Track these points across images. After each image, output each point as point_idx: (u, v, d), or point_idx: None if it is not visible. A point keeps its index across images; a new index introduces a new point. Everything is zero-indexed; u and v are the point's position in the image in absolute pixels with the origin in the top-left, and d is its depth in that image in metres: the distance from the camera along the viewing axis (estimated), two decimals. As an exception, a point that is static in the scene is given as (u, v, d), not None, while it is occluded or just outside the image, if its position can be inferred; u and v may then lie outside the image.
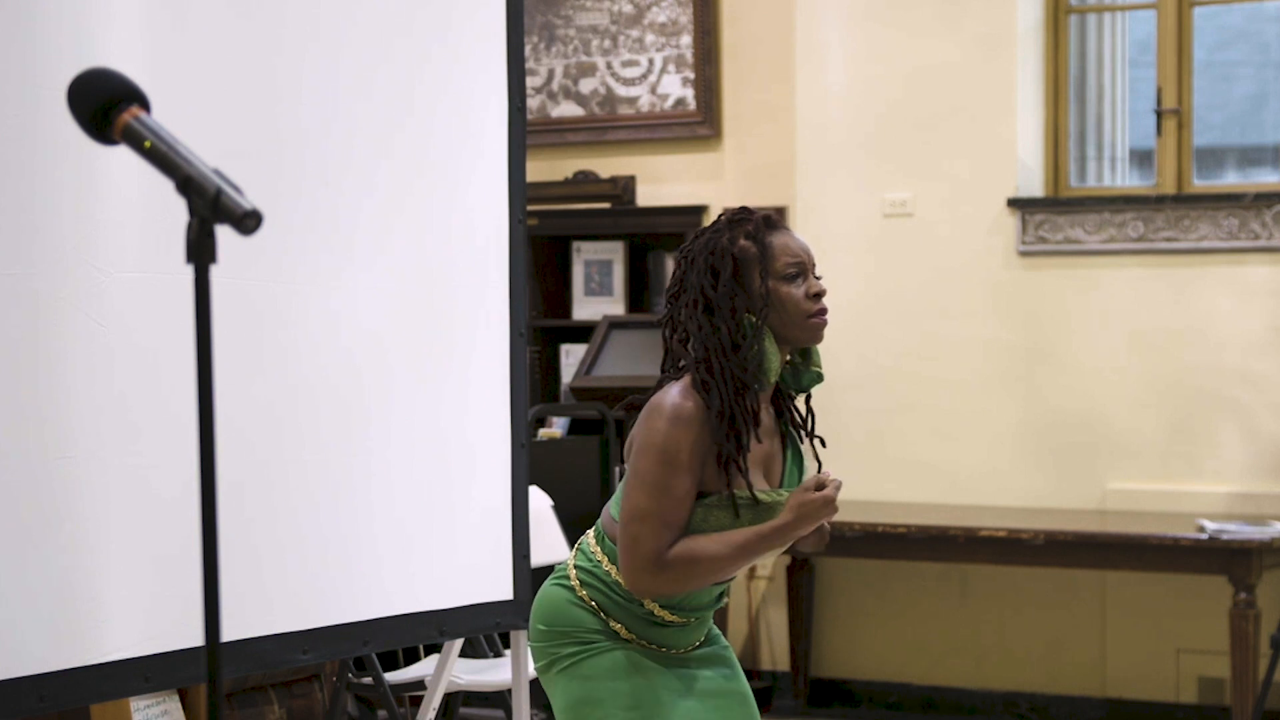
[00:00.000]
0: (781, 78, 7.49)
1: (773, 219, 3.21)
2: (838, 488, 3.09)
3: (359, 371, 4.17)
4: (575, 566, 3.26)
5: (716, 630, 3.40)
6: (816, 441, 3.30)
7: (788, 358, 3.23)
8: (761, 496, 3.13)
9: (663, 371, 3.25)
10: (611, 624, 3.22)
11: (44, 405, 3.53)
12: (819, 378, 3.25)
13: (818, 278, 3.21)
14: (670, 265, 7.74)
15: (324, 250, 4.10)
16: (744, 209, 3.24)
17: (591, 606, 3.22)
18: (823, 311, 3.18)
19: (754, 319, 3.13)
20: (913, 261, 7.24)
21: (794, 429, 3.30)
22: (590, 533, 3.30)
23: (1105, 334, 6.98)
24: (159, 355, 3.69)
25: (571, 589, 3.24)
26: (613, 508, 3.25)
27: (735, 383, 3.12)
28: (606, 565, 3.22)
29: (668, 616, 3.22)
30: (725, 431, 3.11)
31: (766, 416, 3.23)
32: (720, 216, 3.24)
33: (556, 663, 3.25)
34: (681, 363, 3.19)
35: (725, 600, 3.37)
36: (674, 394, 3.14)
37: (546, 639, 3.25)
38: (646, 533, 3.08)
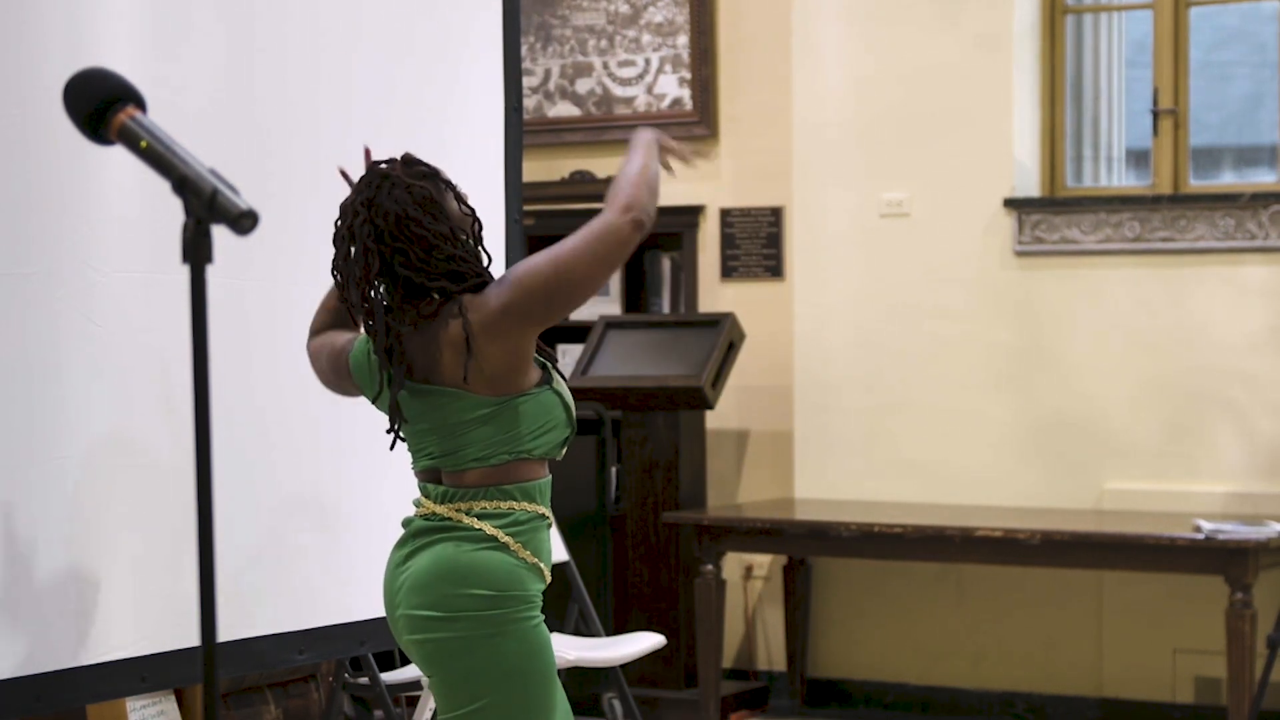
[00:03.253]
0: (778, 78, 7.48)
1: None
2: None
3: (355, 371, 4.16)
4: (497, 528, 3.31)
5: None
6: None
7: None
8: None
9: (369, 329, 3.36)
10: (535, 563, 3.34)
11: (41, 405, 3.53)
12: None
13: None
14: (667, 265, 7.81)
15: (320, 250, 4.09)
16: (373, 162, 3.39)
17: (525, 557, 3.32)
18: None
19: (467, 239, 3.35)
20: (909, 261, 7.23)
21: None
22: (470, 504, 3.33)
23: (1102, 334, 6.98)
24: (155, 355, 3.68)
25: (504, 547, 3.30)
26: (468, 463, 3.33)
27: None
28: (518, 505, 3.33)
29: (548, 511, 3.40)
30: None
31: None
32: (371, 179, 3.35)
33: (507, 623, 3.28)
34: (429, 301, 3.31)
35: None
36: (468, 301, 3.28)
37: (498, 605, 3.28)
38: (609, 227, 3.26)
